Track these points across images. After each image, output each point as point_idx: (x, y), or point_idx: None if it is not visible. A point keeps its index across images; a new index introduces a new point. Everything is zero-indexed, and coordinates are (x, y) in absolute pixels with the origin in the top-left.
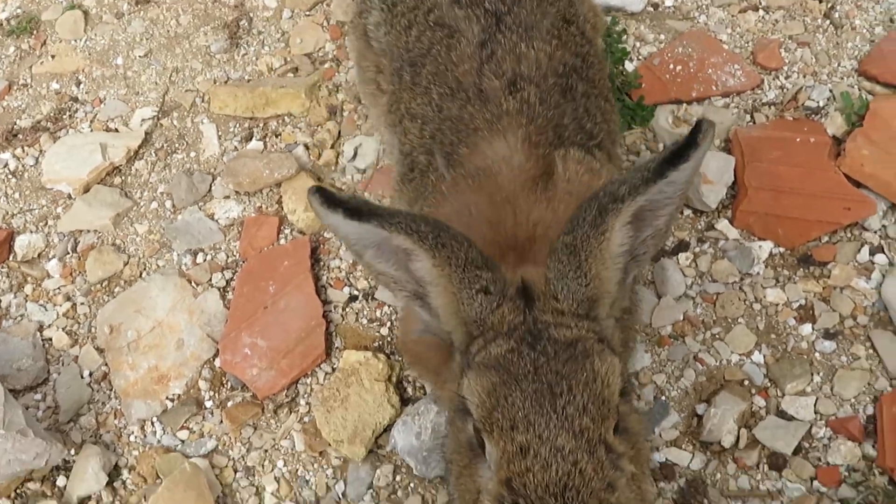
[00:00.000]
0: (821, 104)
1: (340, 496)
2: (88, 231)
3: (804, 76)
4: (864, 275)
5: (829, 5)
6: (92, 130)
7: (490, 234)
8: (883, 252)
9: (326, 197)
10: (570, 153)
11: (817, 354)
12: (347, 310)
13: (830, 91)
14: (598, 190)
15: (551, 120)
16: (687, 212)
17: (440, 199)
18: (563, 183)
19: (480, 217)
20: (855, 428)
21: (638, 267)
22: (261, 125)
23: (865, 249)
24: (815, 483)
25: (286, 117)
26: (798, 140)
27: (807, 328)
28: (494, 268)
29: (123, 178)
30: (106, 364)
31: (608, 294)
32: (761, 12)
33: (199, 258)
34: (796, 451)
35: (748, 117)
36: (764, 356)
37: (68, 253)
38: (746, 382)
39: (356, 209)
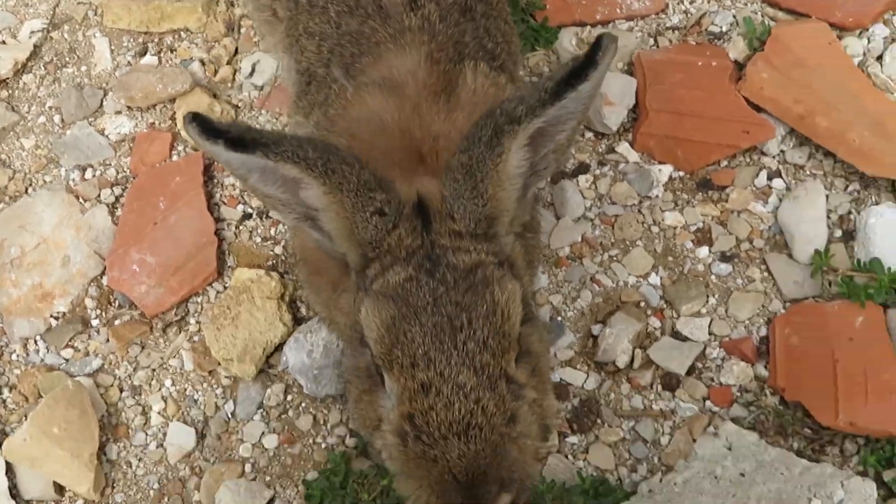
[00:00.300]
0: (724, 29)
1: (230, 416)
2: None
3: (708, 1)
4: (761, 199)
5: None
6: None
7: (400, 141)
8: (780, 177)
9: (205, 126)
10: (479, 66)
11: (713, 277)
12: (241, 228)
13: (734, 16)
14: (494, 107)
15: (451, 37)
16: (588, 134)
17: (345, 104)
18: (468, 95)
19: (392, 123)
20: (748, 349)
21: (539, 181)
22: (156, 40)
23: (763, 174)
24: (708, 403)
25: (182, 32)
26: (700, 64)
27: (704, 251)
28: (388, 188)
29: (10, 91)
30: None
31: (506, 212)
32: None
33: (88, 174)
34: (690, 372)
35: (651, 41)
36: (661, 278)
37: None
38: (642, 304)
39: (238, 139)
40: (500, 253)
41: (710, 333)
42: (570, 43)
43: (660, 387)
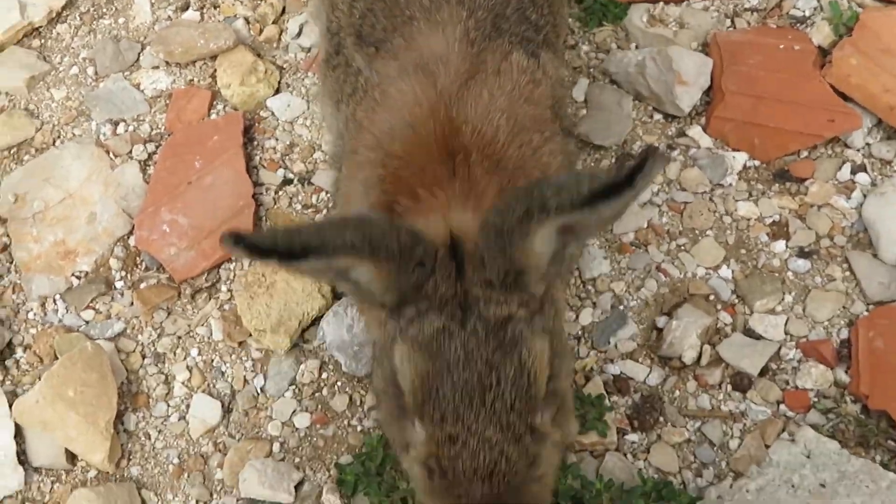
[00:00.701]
0: (806, 13)
1: (259, 391)
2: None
3: None
4: (843, 193)
5: None
6: None
7: (433, 155)
8: (865, 171)
9: (253, 247)
10: (513, 57)
11: (790, 273)
12: (281, 193)
13: (818, 1)
14: (531, 185)
15: (492, 10)
16: (657, 116)
17: (373, 106)
18: (499, 87)
19: (424, 133)
20: (827, 351)
21: (576, 241)
22: None
23: (847, 167)
24: (782, 407)
25: None
26: (781, 47)
27: (780, 245)
28: (422, 239)
29: (43, 41)
30: (7, 235)
31: (537, 269)
32: None
33: (120, 128)
34: (763, 373)
35: (728, 22)
36: (732, 271)
37: None
38: (712, 297)
39: (288, 252)
40: (531, 301)
41: (785, 333)
42: (640, 20)
43: (730, 387)
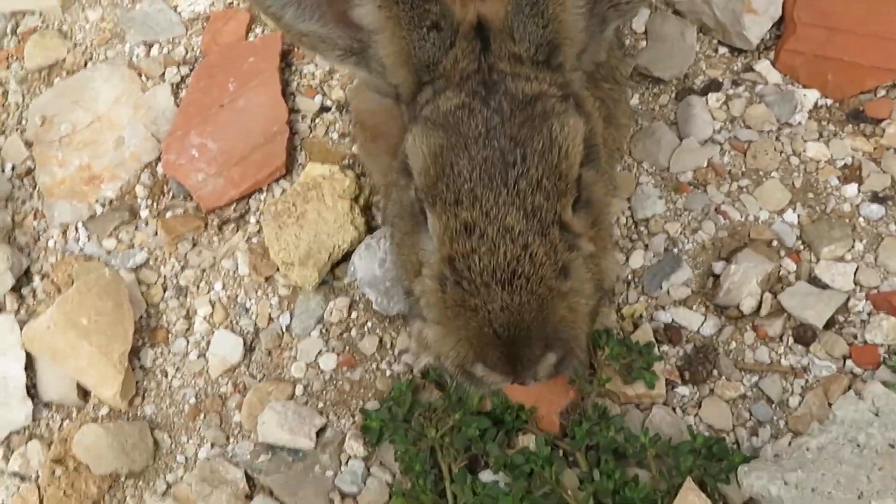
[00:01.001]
0: None
1: (284, 329)
2: (32, 13)
3: None
4: None
5: None
6: None
7: None
8: None
9: None
10: None
11: (861, 219)
12: (317, 121)
13: None
14: None
15: None
16: (722, 50)
17: None
18: None
19: None
20: None
21: (619, 17)
22: None
23: None
24: (849, 363)
25: None
26: None
27: (851, 189)
28: (443, 2)
29: None
30: (32, 158)
31: (570, 41)
32: None
33: (154, 50)
34: (828, 325)
35: None
36: (798, 216)
37: (6, 35)
38: (775, 243)
39: None
40: (564, 86)
41: (855, 283)
42: None
43: (791, 339)
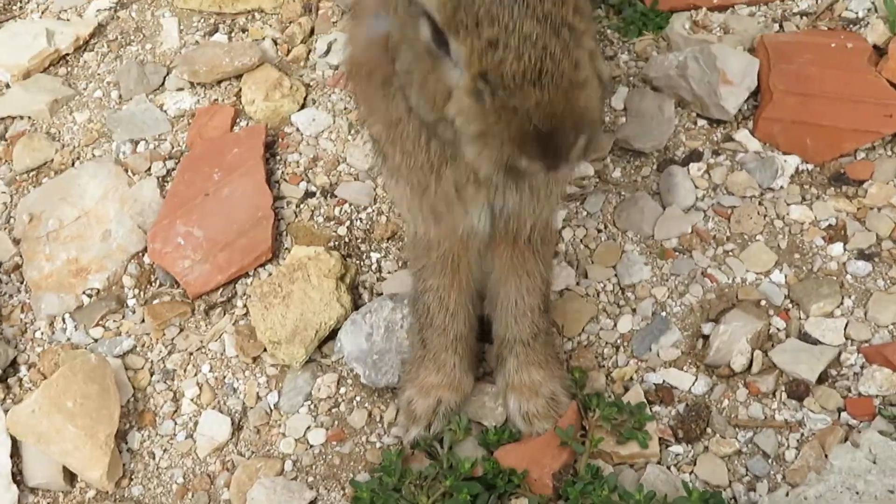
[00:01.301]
0: (860, 15)
1: (272, 407)
2: (21, 118)
3: None
4: None
5: None
6: (42, 18)
7: None
8: None
9: None
10: None
11: (849, 276)
12: (302, 206)
13: (872, 1)
14: None
15: None
16: (701, 122)
17: None
18: None
19: None
20: (893, 355)
21: None
22: (227, 21)
23: None
24: (844, 415)
25: (256, 13)
26: (833, 45)
27: (837, 248)
28: None
29: (70, 68)
30: (20, 254)
31: None
32: None
33: (141, 147)
34: (821, 379)
35: (776, 26)
36: (785, 276)
37: None
38: (763, 303)
39: None
40: None
41: (845, 337)
42: (682, 27)
43: (784, 395)
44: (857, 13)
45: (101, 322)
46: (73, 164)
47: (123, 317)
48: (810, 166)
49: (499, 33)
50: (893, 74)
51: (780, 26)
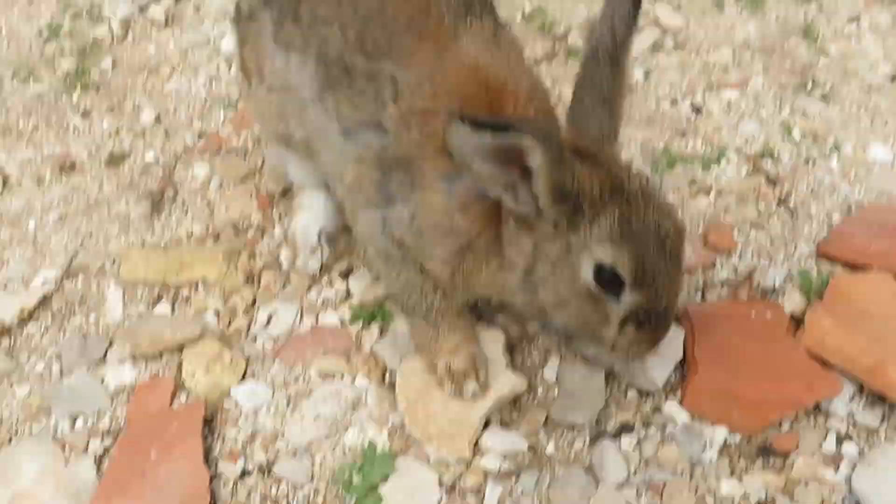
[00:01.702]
0: (776, 285)
1: None
2: None
3: (759, 258)
4: (831, 466)
5: (784, 192)
6: None
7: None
8: (851, 439)
9: (475, 122)
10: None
11: None
12: (238, 486)
13: (788, 271)
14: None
15: None
16: (631, 393)
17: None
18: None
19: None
20: None
21: None
22: (171, 291)
23: (832, 437)
24: None
25: (199, 283)
26: (753, 315)
27: None
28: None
29: (12, 340)
30: None
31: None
32: (713, 196)
33: (79, 423)
34: None
35: (699, 295)
36: None
37: None
38: None
39: (497, 124)
40: None
41: None
42: None
43: None
44: (774, 283)
45: None
46: (10, 441)
47: None
48: (738, 437)
49: (659, 287)
50: (812, 344)
51: (703, 295)
